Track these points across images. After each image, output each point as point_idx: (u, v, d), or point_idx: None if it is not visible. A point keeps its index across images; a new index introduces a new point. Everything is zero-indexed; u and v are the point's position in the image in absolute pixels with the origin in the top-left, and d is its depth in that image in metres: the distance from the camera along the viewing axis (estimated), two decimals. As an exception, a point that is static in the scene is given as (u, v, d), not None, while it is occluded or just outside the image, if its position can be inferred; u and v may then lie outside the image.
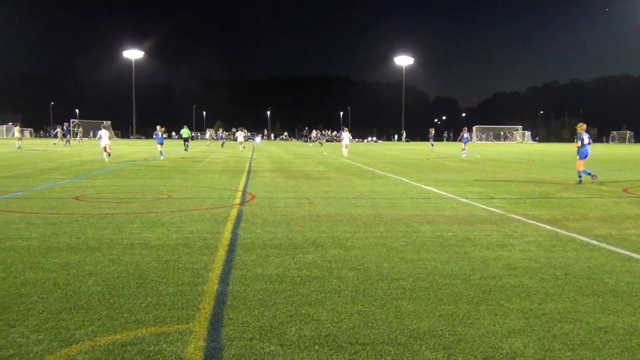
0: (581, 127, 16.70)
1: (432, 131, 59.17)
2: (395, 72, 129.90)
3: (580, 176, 16.14)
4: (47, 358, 3.47)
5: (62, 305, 4.48)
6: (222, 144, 53.31)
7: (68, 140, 48.21)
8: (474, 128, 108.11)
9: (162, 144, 29.07)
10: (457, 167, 23.88)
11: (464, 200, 11.81)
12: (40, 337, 3.81)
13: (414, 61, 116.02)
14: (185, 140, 42.01)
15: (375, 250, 6.66)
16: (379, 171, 20.86)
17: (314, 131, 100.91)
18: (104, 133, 25.67)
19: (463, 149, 36.56)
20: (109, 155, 25.25)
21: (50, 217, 8.83)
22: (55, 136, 55.26)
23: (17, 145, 41.45)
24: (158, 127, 30.25)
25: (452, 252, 6.62)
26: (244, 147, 44.43)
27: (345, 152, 35.61)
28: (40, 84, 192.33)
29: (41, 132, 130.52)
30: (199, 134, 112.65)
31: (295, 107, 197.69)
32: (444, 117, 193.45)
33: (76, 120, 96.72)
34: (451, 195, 12.61)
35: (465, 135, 38.75)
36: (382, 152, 43.16)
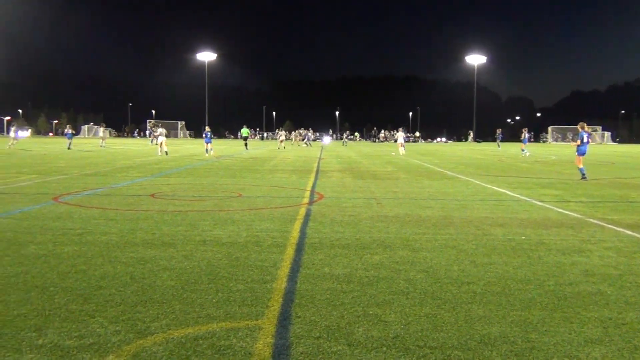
0: (582, 125, 17.76)
1: (499, 131, 59.24)
2: (467, 71, 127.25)
3: (583, 172, 16.99)
4: (123, 348, 3.61)
5: (138, 298, 4.66)
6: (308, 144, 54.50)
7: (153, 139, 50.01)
8: (550, 128, 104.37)
9: (210, 142, 32.16)
10: (531, 169, 23.11)
11: (538, 203, 11.41)
12: (117, 328, 3.97)
13: (487, 60, 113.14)
14: (245, 139, 42.95)
15: (444, 253, 6.55)
16: (448, 172, 20.49)
17: (382, 131, 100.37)
18: (161, 132, 30.96)
19: (523, 150, 36.73)
20: (166, 153, 29.58)
21: (127, 214, 9.21)
22: (145, 136, 57.61)
23: (101, 145, 43.54)
24: (207, 128, 33.95)
25: (526, 257, 6.41)
26: (284, 147, 45.19)
27: (402, 150, 36.52)
28: (119, 86, 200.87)
29: (125, 131, 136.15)
30: (270, 134, 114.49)
31: (364, 107, 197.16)
32: (517, 117, 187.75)
33: (152, 121, 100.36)
34: (524, 198, 12.22)
35: (527, 135, 39.39)
36: (452, 153, 42.39)
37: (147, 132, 55.03)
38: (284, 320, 4.19)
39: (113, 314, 4.26)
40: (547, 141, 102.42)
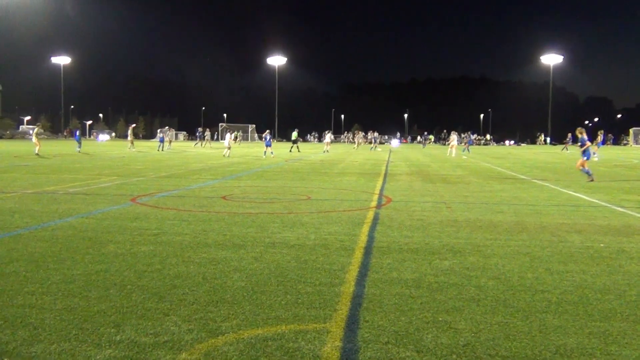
0: (580, 131, 17.96)
1: (570, 135, 57.78)
2: (542, 71, 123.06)
3: (589, 174, 17.23)
4: (196, 347, 3.72)
5: (210, 298, 4.78)
6: (374, 147, 54.17)
7: (199, 143, 50.43)
8: (631, 130, 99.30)
9: (269, 145, 33.71)
10: (611, 173, 22.06)
11: (618, 209, 10.88)
12: (190, 326, 4.09)
13: (563, 59, 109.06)
14: (294, 142, 43.39)
15: (517, 260, 6.35)
16: (521, 176, 19.87)
17: (453, 134, 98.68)
18: (228, 136, 33.62)
19: (594, 152, 34.97)
20: (228, 154, 32.35)
21: (200, 215, 9.48)
22: (202, 138, 58.56)
23: (168, 147, 45.03)
24: (267, 132, 35.74)
25: (605, 265, 6.12)
26: (327, 151, 45.01)
27: (453, 152, 39.88)
28: (193, 91, 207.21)
29: (196, 135, 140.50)
30: (342, 136, 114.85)
31: (433, 109, 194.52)
32: (596, 119, 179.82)
33: (224, 124, 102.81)
34: (604, 204, 11.67)
35: (602, 138, 39.70)
36: (525, 156, 41.10)
37: (200, 135, 55.82)
38: (352, 324, 4.19)
39: (186, 312, 4.39)
40: (628, 144, 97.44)
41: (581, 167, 17.61)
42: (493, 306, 4.64)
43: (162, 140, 44.16)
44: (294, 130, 46.39)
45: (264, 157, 32.17)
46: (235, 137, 66.28)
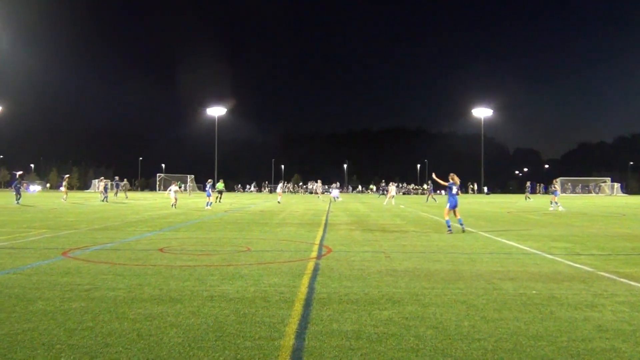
0: (452, 177, 17.41)
1: (528, 184, 60.75)
2: (474, 123, 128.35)
3: (449, 225, 16.50)
4: (129, 408, 3.56)
5: (145, 356, 4.61)
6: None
7: (106, 197, 45.91)
8: (558, 180, 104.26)
9: (210, 196, 34.13)
10: (541, 221, 22.98)
11: (548, 256, 11.31)
12: (123, 387, 3.92)
13: (493, 112, 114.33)
14: (220, 192, 42.92)
15: (454, 308, 6.47)
16: (457, 225, 20.39)
17: (391, 184, 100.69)
18: (173, 187, 32.18)
19: (557, 203, 35.28)
20: (175, 205, 31.13)
21: (135, 269, 9.20)
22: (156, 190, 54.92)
23: (103, 198, 43.45)
24: (209, 180, 35.93)
25: (537, 312, 6.32)
26: (279, 202, 43.52)
27: (392, 201, 41.66)
28: (129, 140, 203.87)
29: (136, 185, 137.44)
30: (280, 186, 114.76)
31: (372, 159, 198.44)
32: (525, 169, 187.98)
33: (162, 175, 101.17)
34: (534, 251, 12.11)
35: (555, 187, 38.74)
36: (460, 205, 42.30)
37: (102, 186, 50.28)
38: (292, 378, 4.13)
39: (119, 372, 4.21)
40: (553, 192, 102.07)
41: (446, 217, 16.90)
42: (432, 356, 4.69)
43: (118, 186, 43.29)
44: (219, 181, 46.01)
45: (207, 207, 31.84)
46: (180, 187, 64.50)
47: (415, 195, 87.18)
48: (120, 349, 4.80)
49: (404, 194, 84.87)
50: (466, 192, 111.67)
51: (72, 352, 4.68)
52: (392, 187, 46.18)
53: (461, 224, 16.94)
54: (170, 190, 32.07)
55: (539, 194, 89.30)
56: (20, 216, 23.47)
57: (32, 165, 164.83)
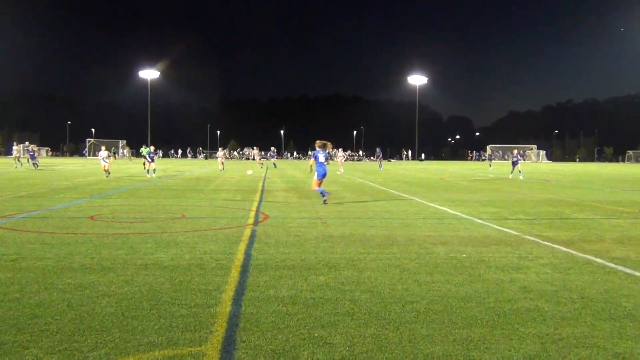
0: (319, 144, 15.59)
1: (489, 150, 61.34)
2: (409, 91, 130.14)
3: (323, 194, 14.94)
4: (60, 380, 3.47)
5: (76, 326, 4.49)
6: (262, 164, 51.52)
7: (35, 163, 39.06)
8: (488, 147, 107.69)
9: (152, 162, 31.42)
10: (471, 187, 23.75)
11: (478, 220, 11.72)
12: (53, 359, 3.81)
13: (428, 80, 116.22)
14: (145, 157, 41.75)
15: (388, 272, 6.62)
16: (392, 191, 20.81)
17: (340, 150, 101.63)
18: (103, 153, 29.06)
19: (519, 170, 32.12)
20: (108, 173, 28.15)
21: (65, 237, 8.90)
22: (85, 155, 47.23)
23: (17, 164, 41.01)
24: (147, 146, 35.23)
25: (467, 274, 6.56)
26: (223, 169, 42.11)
27: (341, 169, 40.14)
28: (57, 103, 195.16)
29: (64, 150, 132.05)
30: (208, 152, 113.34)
31: (309, 126, 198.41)
32: (458, 136, 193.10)
33: (92, 140, 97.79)
34: (465, 216, 12.53)
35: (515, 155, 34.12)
36: (396, 172, 43.10)
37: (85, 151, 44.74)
38: (228, 345, 4.13)
39: (49, 344, 4.09)
40: (485, 159, 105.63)
41: (315, 188, 15.38)
42: (366, 319, 4.79)
43: (33, 157, 39.47)
44: (143, 146, 44.53)
45: (148, 175, 29.74)
46: (114, 153, 61.81)
47: (350, 162, 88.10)
48: (50, 319, 4.65)
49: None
50: (400, 158, 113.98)
51: (-3, 324, 4.50)
52: (340, 153, 44.48)
53: (323, 195, 15.00)
54: (101, 157, 29.15)
55: (474, 161, 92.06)
56: (-62, 183, 22.15)
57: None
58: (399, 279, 6.30)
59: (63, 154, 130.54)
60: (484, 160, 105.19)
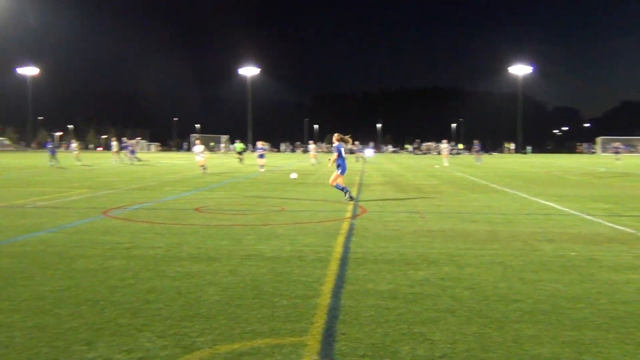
0: (338, 137, 14.30)
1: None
2: (511, 81, 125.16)
3: (346, 191, 13.79)
4: (171, 363, 3.66)
5: (185, 312, 4.72)
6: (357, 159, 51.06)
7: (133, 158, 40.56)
8: (599, 139, 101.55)
9: (262, 158, 31.15)
10: (580, 182, 22.50)
11: (588, 217, 11.08)
12: (165, 342, 4.03)
13: (532, 70, 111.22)
14: (240, 153, 42.08)
15: (491, 269, 6.41)
16: (494, 185, 20.13)
17: (443, 142, 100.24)
18: (198, 148, 27.94)
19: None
20: (204, 168, 27.23)
21: (173, 228, 9.37)
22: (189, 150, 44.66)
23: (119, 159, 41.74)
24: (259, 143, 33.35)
25: (576, 274, 6.22)
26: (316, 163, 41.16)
27: (445, 162, 39.29)
28: (165, 101, 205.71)
29: (171, 145, 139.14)
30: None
31: (406, 119, 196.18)
32: (564, 128, 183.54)
33: (197, 135, 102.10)
34: (574, 212, 11.88)
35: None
36: (497, 165, 41.68)
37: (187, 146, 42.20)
38: (329, 337, 4.17)
39: (160, 328, 4.32)
40: (595, 152, 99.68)
41: (335, 184, 14.12)
42: (468, 317, 4.67)
43: (133, 153, 41.47)
44: (236, 142, 45.24)
45: (261, 170, 29.56)
46: (213, 147, 63.43)
47: (451, 156, 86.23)
48: (161, 305, 4.92)
49: (438, 153, 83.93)
50: (502, 151, 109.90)
51: (114, 308, 4.82)
52: (444, 146, 42.83)
53: (344, 190, 13.90)
54: (196, 153, 27.94)
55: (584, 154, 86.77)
56: (62, 176, 24.08)
57: (71, 127, 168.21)
58: (502, 276, 6.09)
59: (170, 149, 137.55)
60: (594, 153, 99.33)
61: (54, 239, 8.24)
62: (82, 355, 3.76)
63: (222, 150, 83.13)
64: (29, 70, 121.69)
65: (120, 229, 9.20)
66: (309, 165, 39.17)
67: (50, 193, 15.61)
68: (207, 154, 28.58)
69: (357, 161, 46.71)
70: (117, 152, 42.40)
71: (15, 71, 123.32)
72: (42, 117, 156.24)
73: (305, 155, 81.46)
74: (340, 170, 14.04)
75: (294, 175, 15.23)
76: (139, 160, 41.35)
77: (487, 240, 8.35)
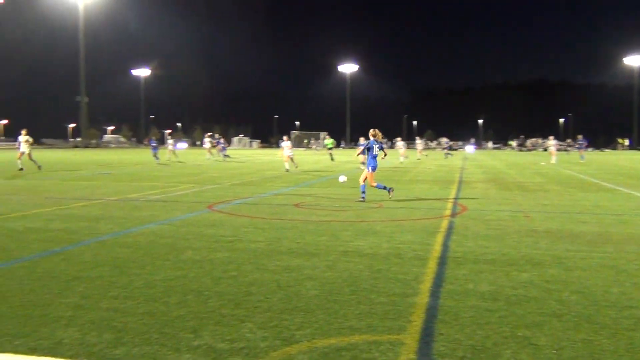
0: (374, 133, 13.48)
1: None
2: (627, 73, 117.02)
3: (386, 189, 13.28)
4: (271, 354, 3.76)
5: (284, 305, 4.83)
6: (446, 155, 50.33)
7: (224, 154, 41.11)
8: None
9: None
10: None
11: None
12: (265, 334, 4.15)
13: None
14: (330, 149, 41.53)
15: (601, 273, 6.05)
16: (605, 184, 18.95)
17: (551, 138, 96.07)
18: (285, 143, 26.90)
19: None
20: (295, 165, 26.75)
21: (274, 222, 9.62)
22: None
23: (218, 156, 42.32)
24: (361, 139, 30.10)
25: (700, 281, 5.72)
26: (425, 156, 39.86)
27: (553, 159, 36.89)
28: (267, 98, 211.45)
29: (271, 142, 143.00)
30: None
31: (509, 114, 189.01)
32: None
33: (296, 132, 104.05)
34: (697, 214, 10.93)
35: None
36: (609, 162, 39.18)
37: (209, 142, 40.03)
38: (427, 336, 4.12)
39: (261, 320, 4.45)
40: None
41: (374, 183, 13.46)
42: (576, 322, 4.43)
43: (224, 150, 41.90)
44: (326, 138, 44.78)
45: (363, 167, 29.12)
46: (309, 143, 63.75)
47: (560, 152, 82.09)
48: (262, 297, 5.07)
49: (544, 150, 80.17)
50: (614, 148, 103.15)
51: (218, 298, 5.03)
52: (552, 142, 41.21)
53: (362, 192, 13.13)
54: (285, 148, 26.47)
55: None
56: (169, 171, 25.42)
57: (179, 124, 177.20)
58: (614, 280, 5.72)
59: (270, 146, 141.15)
60: None
61: (164, 230, 8.72)
62: (189, 343, 3.96)
63: (314, 147, 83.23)
64: (142, 72, 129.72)
65: (223, 222, 9.57)
66: (407, 161, 38.74)
67: (161, 187, 16.53)
68: (302, 151, 28.59)
69: (445, 158, 45.68)
70: (210, 149, 43.62)
71: (130, 73, 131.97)
72: (153, 116, 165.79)
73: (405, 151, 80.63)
74: (370, 169, 13.35)
75: (342, 179, 14.50)
76: (229, 157, 42.24)
77: (597, 242, 7.88)
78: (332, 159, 38.83)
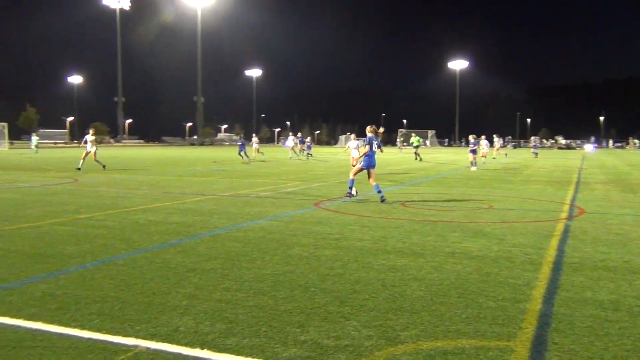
0: (372, 130, 12.89)
1: None
2: None
3: (351, 187, 12.97)
4: (375, 354, 3.76)
5: (389, 305, 4.81)
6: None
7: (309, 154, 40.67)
8: None
9: (475, 153, 27.94)
10: None
11: None
12: (370, 333, 4.15)
13: None
14: (416, 147, 39.92)
15: None
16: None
17: None
18: (352, 143, 23.74)
19: None
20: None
21: (379, 221, 9.60)
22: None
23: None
24: (472, 137, 28.96)
25: None
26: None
27: None
28: (375, 97, 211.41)
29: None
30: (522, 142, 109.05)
31: (634, 111, 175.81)
32: None
33: (404, 130, 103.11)
34: None
35: None
36: None
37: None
38: (539, 345, 3.93)
39: (366, 318, 4.46)
40: None
41: (352, 176, 13.29)
42: None
43: (309, 148, 41.88)
44: (412, 136, 43.07)
45: (474, 168, 26.67)
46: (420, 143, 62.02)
47: (689, 152, 75.33)
48: (367, 296, 5.08)
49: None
50: None
51: (324, 295, 5.10)
52: None
53: (379, 192, 12.56)
54: (351, 147, 22.05)
55: None
56: (277, 169, 26.12)
57: (288, 123, 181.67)
58: None
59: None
60: None
61: (273, 226, 8.98)
62: (295, 337, 4.05)
63: (399, 146, 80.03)
64: (254, 72, 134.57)
65: (330, 220, 9.69)
66: (520, 160, 37.15)
67: (269, 184, 17.03)
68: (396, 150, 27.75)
69: (536, 157, 43.23)
70: (293, 147, 43.95)
71: (243, 73, 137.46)
72: (264, 115, 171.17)
73: (517, 150, 77.54)
74: (363, 164, 12.94)
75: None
76: (312, 155, 42.08)
77: None
78: (419, 159, 37.26)
